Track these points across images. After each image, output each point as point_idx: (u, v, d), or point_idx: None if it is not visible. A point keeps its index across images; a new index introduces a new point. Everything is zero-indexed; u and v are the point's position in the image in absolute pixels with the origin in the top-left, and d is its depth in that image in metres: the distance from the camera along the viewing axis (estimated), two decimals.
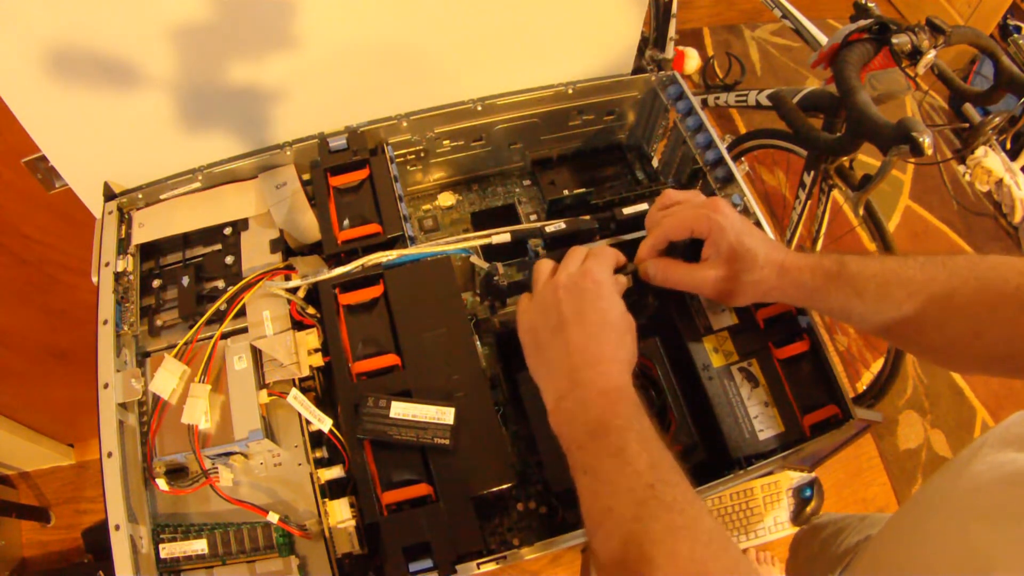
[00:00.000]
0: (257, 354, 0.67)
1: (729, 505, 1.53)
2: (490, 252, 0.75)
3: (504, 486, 0.61)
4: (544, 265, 0.59)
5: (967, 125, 1.22)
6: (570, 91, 0.88)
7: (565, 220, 0.75)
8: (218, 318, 0.69)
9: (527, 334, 0.58)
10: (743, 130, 2.15)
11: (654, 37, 1.52)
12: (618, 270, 0.60)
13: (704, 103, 1.74)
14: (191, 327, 0.68)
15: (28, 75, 0.65)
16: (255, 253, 0.75)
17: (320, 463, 0.65)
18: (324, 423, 0.64)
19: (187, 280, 0.74)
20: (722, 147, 0.82)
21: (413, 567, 0.57)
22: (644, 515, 0.43)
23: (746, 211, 0.78)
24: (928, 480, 0.48)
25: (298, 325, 0.69)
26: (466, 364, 0.66)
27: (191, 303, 0.72)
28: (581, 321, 0.53)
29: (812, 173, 1.31)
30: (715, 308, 0.72)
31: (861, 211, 1.27)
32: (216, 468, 0.64)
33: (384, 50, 0.79)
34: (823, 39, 1.39)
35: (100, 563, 1.43)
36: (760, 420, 0.66)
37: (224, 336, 0.69)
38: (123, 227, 0.76)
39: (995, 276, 0.50)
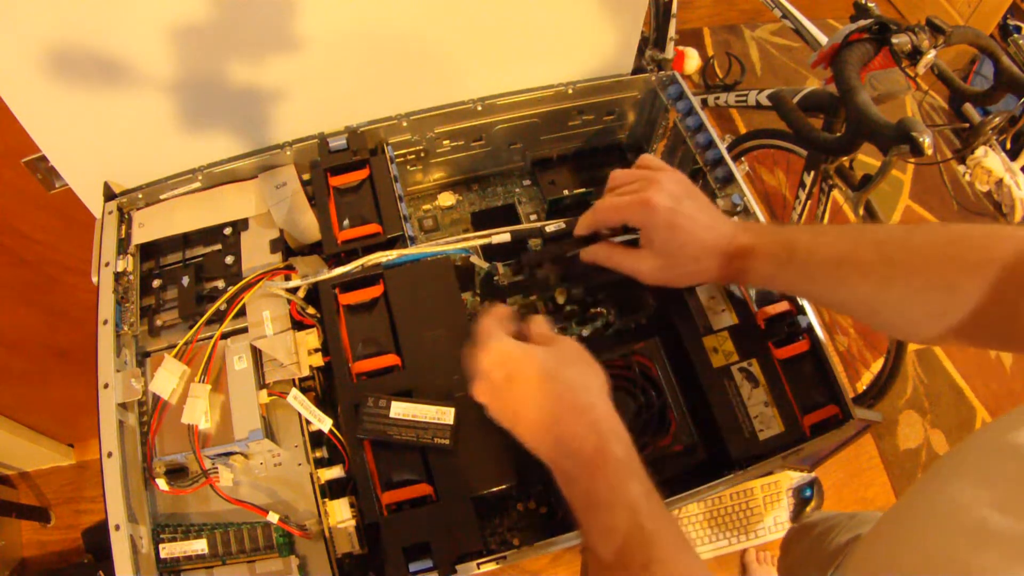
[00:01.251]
0: (257, 354, 0.67)
1: (729, 505, 1.53)
2: (490, 252, 0.75)
3: (504, 486, 0.61)
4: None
5: (967, 125, 1.22)
6: (570, 91, 0.88)
7: (565, 220, 0.75)
8: (218, 318, 0.69)
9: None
10: (743, 130, 2.15)
11: (654, 37, 1.52)
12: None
13: (704, 103, 1.74)
14: (191, 327, 0.68)
15: (28, 75, 0.65)
16: (255, 253, 0.75)
17: (320, 463, 0.65)
18: (324, 423, 0.64)
19: (187, 280, 0.74)
20: (722, 147, 0.82)
21: (413, 567, 0.57)
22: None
23: (746, 211, 0.78)
24: (917, 481, 0.48)
25: (298, 325, 0.69)
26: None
27: (191, 303, 0.72)
28: (521, 406, 0.50)
29: (812, 173, 1.31)
30: (715, 308, 0.72)
31: (861, 211, 1.27)
32: (216, 468, 0.64)
33: (384, 50, 0.79)
34: (823, 39, 1.39)
35: (100, 563, 1.43)
36: (760, 420, 0.66)
37: (224, 336, 0.69)
38: (123, 227, 0.76)
39: (954, 253, 0.47)
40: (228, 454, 0.65)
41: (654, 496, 0.48)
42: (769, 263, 0.55)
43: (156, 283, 0.75)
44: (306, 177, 0.80)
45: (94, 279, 0.72)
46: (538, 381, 0.50)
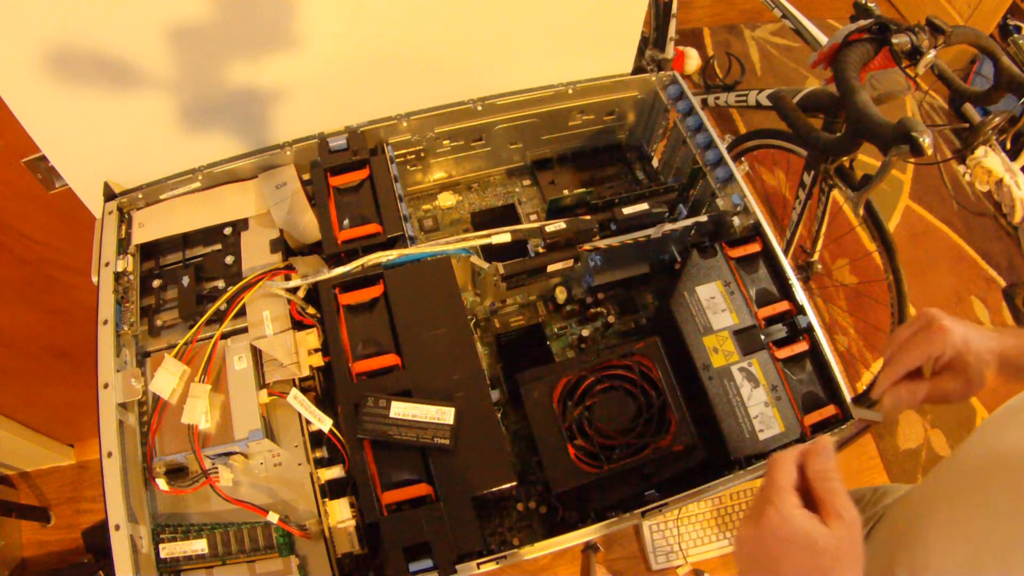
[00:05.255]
0: (257, 354, 0.67)
1: (729, 505, 1.53)
2: (490, 252, 0.75)
3: (504, 486, 0.61)
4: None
5: (967, 125, 1.22)
6: (570, 91, 0.88)
7: (565, 220, 0.75)
8: (218, 318, 0.69)
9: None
10: (743, 130, 2.15)
11: (654, 37, 1.52)
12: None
13: (704, 103, 1.74)
14: (191, 327, 0.68)
15: (28, 75, 0.65)
16: (255, 253, 0.75)
17: (320, 463, 0.65)
18: (324, 423, 0.64)
19: (187, 280, 0.74)
20: (722, 147, 0.82)
21: (413, 567, 0.57)
22: None
23: (746, 211, 0.78)
24: (951, 455, 0.48)
25: (298, 325, 0.69)
26: (466, 364, 0.66)
27: (191, 303, 0.72)
28: None
29: (812, 173, 1.31)
30: (715, 308, 0.72)
31: (861, 211, 1.27)
32: (216, 468, 0.64)
33: (384, 50, 0.79)
34: (823, 39, 1.39)
35: (100, 563, 1.43)
36: (760, 420, 0.66)
37: (224, 336, 0.69)
38: (123, 227, 0.76)
39: None
40: (228, 454, 0.64)
41: None
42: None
43: (156, 283, 0.75)
44: (306, 177, 0.80)
45: (94, 279, 0.72)
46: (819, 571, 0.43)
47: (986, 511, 0.41)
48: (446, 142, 0.89)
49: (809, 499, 0.44)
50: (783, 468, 0.46)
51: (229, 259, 0.75)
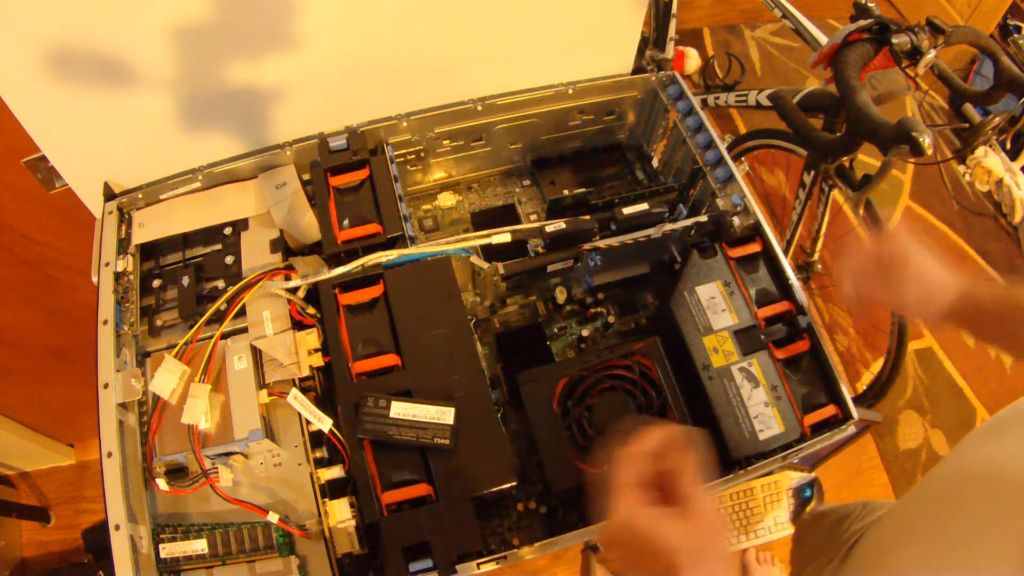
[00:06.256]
0: (257, 354, 0.67)
1: (729, 505, 1.53)
2: (490, 252, 0.75)
3: (504, 486, 0.61)
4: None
5: (967, 125, 1.21)
6: (570, 91, 0.88)
7: (565, 220, 0.75)
8: (218, 318, 0.69)
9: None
10: (743, 130, 2.15)
11: (654, 37, 1.52)
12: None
13: (704, 103, 1.74)
14: (191, 327, 0.68)
15: (28, 75, 0.65)
16: (255, 253, 0.75)
17: (320, 463, 0.65)
18: (324, 423, 0.64)
19: (187, 280, 0.74)
20: (722, 147, 0.82)
21: (413, 567, 0.57)
22: None
23: (746, 211, 0.78)
24: (930, 471, 0.48)
25: (298, 325, 0.69)
26: (466, 364, 0.66)
27: (191, 303, 0.72)
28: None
29: (812, 173, 1.31)
30: (715, 308, 0.72)
31: (861, 211, 1.27)
32: (216, 468, 0.64)
33: (384, 50, 0.79)
34: (823, 39, 1.39)
35: (100, 563, 1.43)
36: (760, 420, 0.66)
37: (224, 336, 0.69)
38: (123, 227, 0.76)
39: None
40: (228, 454, 0.64)
41: None
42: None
43: (156, 283, 0.75)
44: (306, 177, 0.80)
45: (94, 279, 0.72)
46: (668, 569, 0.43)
47: (955, 528, 0.41)
48: (446, 142, 0.89)
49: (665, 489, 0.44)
50: (625, 465, 0.45)
51: (229, 259, 0.75)
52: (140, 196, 0.78)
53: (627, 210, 0.77)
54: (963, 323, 0.61)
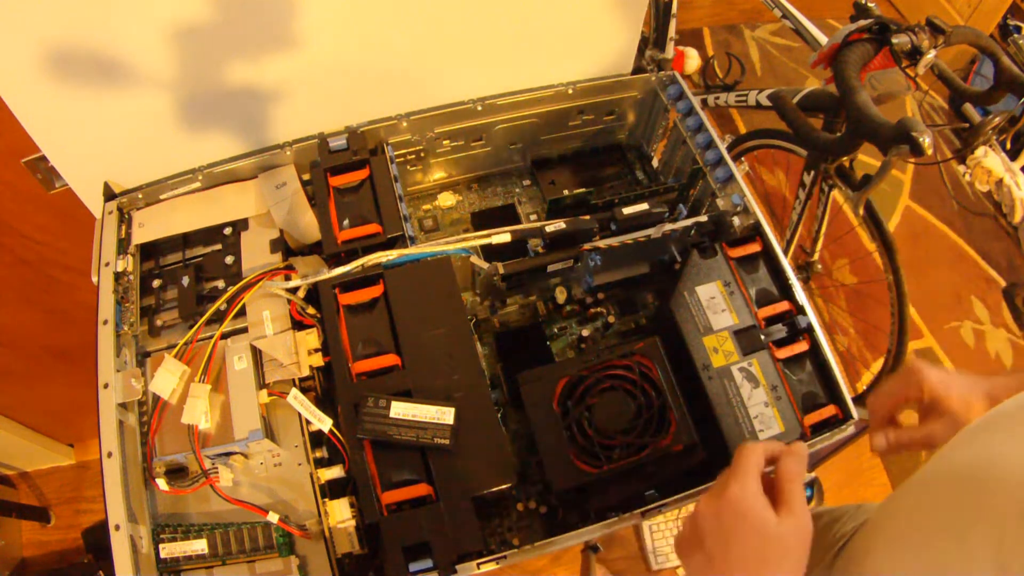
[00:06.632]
0: (257, 354, 0.67)
1: None
2: (490, 252, 0.75)
3: (504, 486, 0.61)
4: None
5: (967, 125, 1.22)
6: (570, 91, 0.88)
7: (565, 220, 0.75)
8: (218, 318, 0.69)
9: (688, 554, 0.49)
10: (743, 130, 2.15)
11: (654, 37, 1.52)
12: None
13: (704, 103, 1.74)
14: (191, 327, 0.68)
15: (28, 75, 0.65)
16: (255, 253, 0.75)
17: (320, 463, 0.65)
18: (324, 423, 0.64)
19: (187, 280, 0.74)
20: (722, 147, 0.82)
21: (413, 567, 0.57)
22: None
23: (746, 211, 0.78)
24: (918, 470, 0.48)
25: (298, 325, 0.69)
26: (466, 364, 0.66)
27: (191, 303, 0.72)
28: (727, 560, 0.45)
29: (812, 173, 1.31)
30: (715, 308, 0.72)
31: (861, 211, 1.27)
32: (216, 468, 0.64)
33: (384, 50, 0.79)
34: (823, 39, 1.39)
35: (100, 563, 1.43)
36: (760, 420, 0.66)
37: (224, 336, 0.69)
38: (123, 227, 0.76)
39: None
40: (228, 454, 0.64)
41: None
42: None
43: (156, 283, 0.75)
44: (306, 177, 0.80)
45: (94, 279, 0.72)
46: (747, 557, 0.44)
47: (932, 527, 0.41)
48: (446, 142, 0.89)
49: (770, 495, 0.46)
50: (753, 455, 0.48)
51: (229, 259, 0.75)
52: (140, 196, 0.78)
53: (627, 210, 0.77)
54: None
